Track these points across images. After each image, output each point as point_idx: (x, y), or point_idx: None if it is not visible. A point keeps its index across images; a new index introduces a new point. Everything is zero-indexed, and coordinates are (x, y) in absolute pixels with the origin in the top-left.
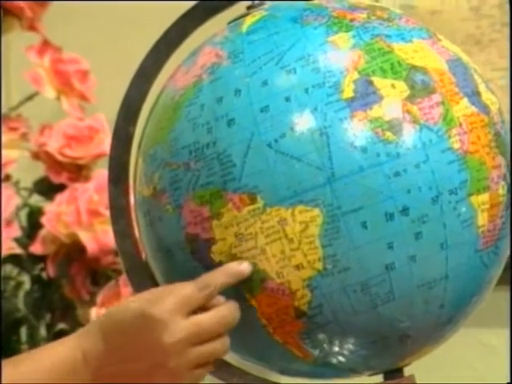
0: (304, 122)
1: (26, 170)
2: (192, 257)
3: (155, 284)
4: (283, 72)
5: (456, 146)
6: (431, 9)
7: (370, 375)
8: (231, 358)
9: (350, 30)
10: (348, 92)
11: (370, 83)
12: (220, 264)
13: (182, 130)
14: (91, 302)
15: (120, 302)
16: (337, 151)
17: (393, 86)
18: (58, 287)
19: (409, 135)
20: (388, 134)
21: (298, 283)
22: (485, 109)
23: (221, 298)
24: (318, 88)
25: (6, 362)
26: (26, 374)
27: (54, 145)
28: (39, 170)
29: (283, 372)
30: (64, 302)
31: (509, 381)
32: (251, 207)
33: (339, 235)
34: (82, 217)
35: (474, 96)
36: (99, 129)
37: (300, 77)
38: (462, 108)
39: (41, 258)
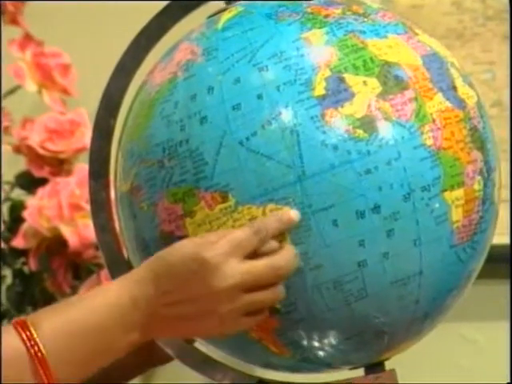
0: (275, 120)
1: (7, 164)
2: None
3: None
4: (255, 69)
5: (429, 142)
6: (412, 3)
7: (351, 369)
8: (215, 353)
9: (324, 27)
10: (319, 89)
11: (342, 80)
12: None
13: (156, 127)
14: (73, 296)
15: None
16: (307, 149)
17: (365, 82)
18: (39, 281)
19: (380, 132)
20: (359, 131)
21: None
22: (460, 103)
23: (276, 244)
24: (290, 85)
25: (52, 308)
26: (74, 321)
27: (35, 138)
28: (21, 164)
29: (265, 366)
30: (46, 295)
31: (508, 381)
32: (223, 205)
33: (310, 233)
34: (63, 211)
35: (450, 91)
36: (81, 123)
37: (272, 74)
38: (436, 104)
39: (22, 252)
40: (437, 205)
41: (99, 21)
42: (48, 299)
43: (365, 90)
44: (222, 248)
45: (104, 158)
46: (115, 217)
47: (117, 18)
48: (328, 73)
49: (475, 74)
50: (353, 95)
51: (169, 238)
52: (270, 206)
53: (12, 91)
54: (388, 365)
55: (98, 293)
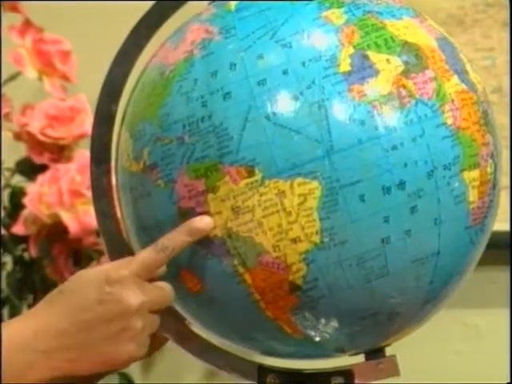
0: (302, 95)
1: (7, 151)
2: None
3: None
4: (278, 46)
5: (449, 121)
6: None
7: (352, 355)
8: (215, 339)
9: (342, 7)
10: (345, 66)
11: (366, 57)
12: (214, 238)
13: (173, 105)
14: None
15: None
16: (335, 124)
17: (388, 60)
18: (40, 268)
19: (406, 109)
20: (385, 107)
21: (295, 257)
22: (473, 87)
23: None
24: (315, 61)
25: None
26: None
27: (35, 125)
28: (21, 151)
29: (267, 352)
30: (46, 282)
31: (508, 381)
32: (249, 180)
33: (337, 208)
34: (64, 197)
35: (463, 74)
36: (81, 109)
37: (296, 50)
38: (453, 85)
39: (23, 239)
40: (456, 184)
41: (99, 7)
42: (48, 286)
43: (389, 68)
44: (128, 268)
45: (105, 143)
46: (116, 203)
47: (117, 4)
48: (352, 50)
49: (476, 61)
50: (377, 72)
51: (188, 215)
52: (298, 180)
53: (12, 78)
54: (388, 351)
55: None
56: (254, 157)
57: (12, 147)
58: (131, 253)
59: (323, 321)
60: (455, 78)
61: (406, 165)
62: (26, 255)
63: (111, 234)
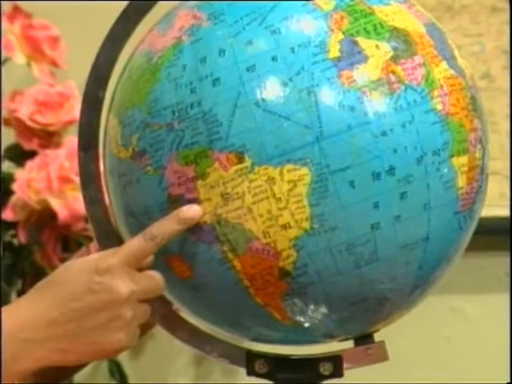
0: (291, 82)
1: None
2: None
3: None
4: (267, 32)
5: (438, 107)
6: None
7: (341, 341)
8: (204, 326)
9: None
10: (334, 52)
11: (355, 43)
12: (203, 224)
13: (162, 91)
14: None
15: None
16: (325, 110)
17: (377, 46)
18: (29, 253)
19: (395, 95)
20: (375, 93)
21: (284, 243)
22: (461, 72)
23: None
24: (304, 47)
25: None
26: None
27: (24, 111)
28: (10, 137)
29: (256, 339)
30: (35, 268)
31: (509, 380)
32: (238, 166)
33: (327, 194)
34: (52, 183)
35: (452, 60)
36: (70, 95)
37: (285, 36)
38: (442, 70)
39: (12, 225)
40: (445, 170)
41: None
42: (37, 272)
43: (378, 54)
44: (117, 257)
45: (93, 129)
46: (104, 189)
47: None
48: (341, 36)
49: (464, 47)
50: (367, 58)
51: (177, 201)
52: (288, 166)
53: (1, 63)
54: (377, 337)
55: None
56: (243, 143)
57: (1, 133)
58: (120, 239)
59: (313, 307)
60: (444, 64)
61: (395, 150)
62: (15, 241)
63: (99, 220)
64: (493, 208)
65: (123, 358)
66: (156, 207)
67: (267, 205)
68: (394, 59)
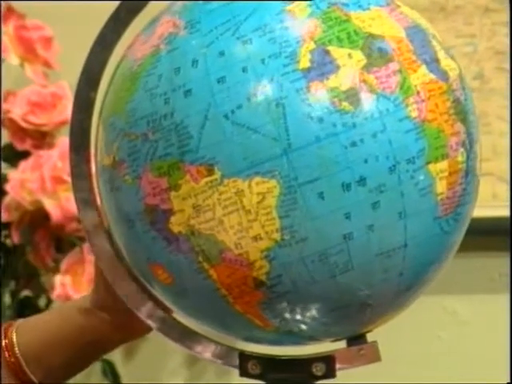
0: (260, 93)
1: None
2: (151, 227)
3: (116, 251)
4: (239, 42)
5: (413, 114)
6: None
7: (333, 341)
8: (196, 327)
9: None
10: (304, 62)
11: (327, 53)
12: (179, 235)
13: (139, 101)
14: (55, 269)
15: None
16: (293, 122)
17: (349, 55)
18: (22, 254)
19: (365, 105)
20: (344, 103)
21: (256, 254)
22: (443, 75)
23: None
24: (275, 58)
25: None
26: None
27: (17, 112)
28: (3, 137)
29: (247, 340)
30: (28, 268)
31: (509, 380)
32: (208, 179)
33: (296, 206)
34: (46, 184)
35: (433, 63)
36: (63, 96)
37: (256, 47)
38: (420, 76)
39: (5, 225)
40: (421, 177)
41: None
42: (31, 272)
43: (350, 63)
44: None
45: (85, 130)
46: (96, 190)
47: None
48: (312, 45)
49: (457, 47)
50: (338, 68)
51: (153, 212)
52: (256, 179)
53: (1, 63)
54: (370, 337)
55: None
56: (213, 155)
57: (1, 133)
58: (112, 240)
59: (292, 314)
60: (423, 69)
61: (366, 161)
62: (8, 241)
63: (91, 221)
64: (485, 209)
65: (116, 358)
66: (135, 216)
67: (237, 217)
68: (367, 68)
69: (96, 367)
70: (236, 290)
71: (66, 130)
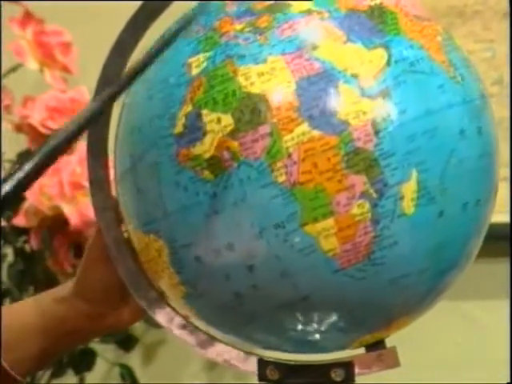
0: (144, 156)
1: (8, 143)
2: None
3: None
4: (142, 99)
5: (280, 179)
6: None
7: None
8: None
9: (211, 50)
10: (179, 127)
11: (199, 117)
12: None
13: None
14: (74, 275)
15: None
16: (166, 188)
17: (218, 120)
18: (41, 260)
19: (226, 173)
20: (206, 172)
21: (179, 301)
22: (336, 128)
23: None
24: (159, 120)
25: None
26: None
27: (36, 117)
28: (22, 143)
29: (266, 348)
30: (47, 274)
31: (509, 380)
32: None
33: (184, 265)
34: (64, 189)
35: (323, 117)
36: (81, 101)
37: (152, 105)
38: (296, 136)
39: (24, 231)
40: (297, 239)
41: None
42: (50, 278)
43: (217, 129)
44: None
45: (103, 136)
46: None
47: None
48: (190, 108)
49: (476, 52)
50: (204, 134)
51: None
52: (152, 236)
53: (13, 69)
54: (388, 342)
55: None
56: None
57: (13, 139)
58: (131, 246)
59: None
60: (303, 127)
61: (229, 228)
62: (26, 247)
63: (109, 227)
64: (507, 214)
65: (135, 362)
66: None
67: (154, 265)
68: (233, 133)
69: (114, 371)
70: None
71: (85, 135)
